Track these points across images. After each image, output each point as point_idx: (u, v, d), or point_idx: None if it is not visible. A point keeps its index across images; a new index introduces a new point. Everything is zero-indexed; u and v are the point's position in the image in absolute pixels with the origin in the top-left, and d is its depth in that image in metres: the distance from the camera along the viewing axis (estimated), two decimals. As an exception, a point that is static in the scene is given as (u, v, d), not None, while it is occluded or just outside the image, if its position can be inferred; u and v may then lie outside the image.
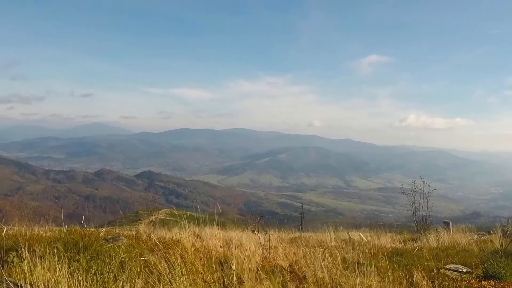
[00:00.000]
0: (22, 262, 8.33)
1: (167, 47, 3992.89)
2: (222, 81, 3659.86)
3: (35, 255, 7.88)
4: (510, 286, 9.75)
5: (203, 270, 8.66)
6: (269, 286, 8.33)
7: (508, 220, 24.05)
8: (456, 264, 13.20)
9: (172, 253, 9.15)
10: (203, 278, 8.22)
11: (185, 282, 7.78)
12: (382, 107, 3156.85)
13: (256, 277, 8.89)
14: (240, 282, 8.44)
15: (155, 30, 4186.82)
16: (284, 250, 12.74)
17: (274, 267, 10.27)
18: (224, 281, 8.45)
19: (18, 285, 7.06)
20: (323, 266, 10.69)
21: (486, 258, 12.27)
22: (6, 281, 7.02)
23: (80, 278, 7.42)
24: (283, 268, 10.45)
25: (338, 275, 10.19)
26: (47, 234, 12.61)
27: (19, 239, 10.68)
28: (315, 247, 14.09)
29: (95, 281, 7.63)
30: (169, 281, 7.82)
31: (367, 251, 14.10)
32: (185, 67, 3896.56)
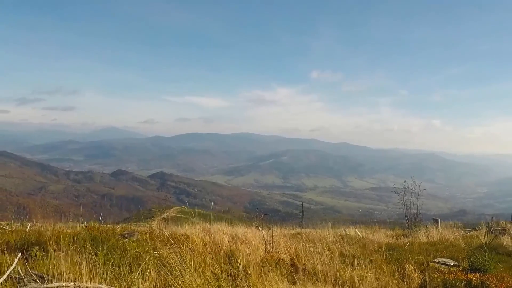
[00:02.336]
0: (45, 256, 8.37)
1: (187, 58, 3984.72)
2: (238, 90, 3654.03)
3: (57, 249, 7.91)
4: (494, 278, 9.75)
5: (212, 263, 8.69)
6: (273, 278, 8.35)
7: (492, 218, 24.06)
8: (444, 257, 13.19)
9: (183, 248, 9.19)
10: (211, 271, 8.26)
11: (195, 274, 7.81)
12: (382, 114, 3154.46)
13: (260, 270, 8.91)
14: (246, 274, 8.46)
15: (176, 42, 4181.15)
16: (286, 245, 12.75)
17: (276, 260, 10.29)
18: (231, 273, 8.48)
19: (42, 277, 7.09)
20: (322, 260, 10.72)
21: (472, 252, 12.28)
22: (30, 273, 7.05)
23: (99, 270, 7.46)
24: (285, 261, 10.48)
25: (336, 267, 10.22)
26: (68, 230, 12.65)
27: (42, 234, 10.72)
28: (314, 242, 14.09)
29: (113, 273, 7.67)
30: (180, 273, 7.85)
31: (362, 245, 14.14)
32: (203, 77, 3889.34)
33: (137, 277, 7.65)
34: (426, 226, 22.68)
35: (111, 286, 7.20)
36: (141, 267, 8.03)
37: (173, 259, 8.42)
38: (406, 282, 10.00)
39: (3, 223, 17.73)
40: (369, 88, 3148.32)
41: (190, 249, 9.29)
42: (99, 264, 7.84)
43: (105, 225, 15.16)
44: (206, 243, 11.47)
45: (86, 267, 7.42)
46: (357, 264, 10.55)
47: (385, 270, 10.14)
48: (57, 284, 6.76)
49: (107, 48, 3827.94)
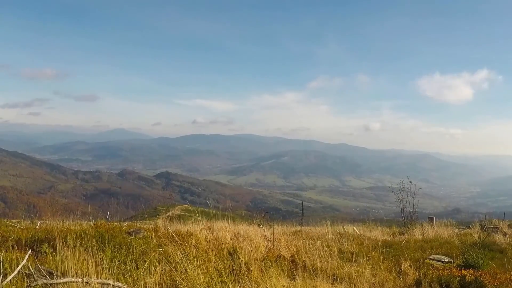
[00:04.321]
0: (54, 252, 8.38)
1: (198, 62, 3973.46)
2: (246, 94, 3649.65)
3: (66, 246, 7.92)
4: (487, 274, 9.75)
5: (215, 259, 8.69)
6: (274, 273, 8.35)
7: (485, 216, 24.04)
8: (439, 254, 13.18)
9: (187, 245, 9.19)
10: (214, 267, 8.26)
11: (198, 270, 7.81)
12: (382, 116, 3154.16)
13: (261, 266, 8.91)
14: (248, 270, 8.46)
15: (188, 48, 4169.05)
16: (287, 242, 12.73)
17: (277, 257, 10.29)
18: (233, 269, 8.48)
19: (51, 273, 7.09)
20: (321, 256, 10.71)
21: (466, 250, 12.28)
22: (40, 269, 7.05)
23: (106, 266, 7.47)
24: (286, 258, 10.47)
25: (334, 264, 10.22)
26: (76, 228, 12.65)
27: (51, 232, 10.73)
28: (314, 239, 14.07)
29: (119, 269, 7.67)
30: (185, 269, 7.86)
31: (360, 243, 14.13)
32: (213, 82, 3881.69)
33: (143, 273, 7.66)
34: (422, 224, 22.65)
35: (118, 281, 7.21)
36: (146, 263, 8.04)
37: (177, 256, 8.42)
38: (402, 278, 10.00)
39: (14, 221, 17.79)
40: (371, 92, 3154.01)
41: (194, 246, 9.29)
42: (106, 260, 7.85)
43: (112, 223, 15.17)
44: (209, 240, 11.47)
45: (94, 263, 7.43)
46: (355, 260, 10.55)
47: (382, 266, 10.14)
48: (65, 279, 6.77)
49: (121, 53, 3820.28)
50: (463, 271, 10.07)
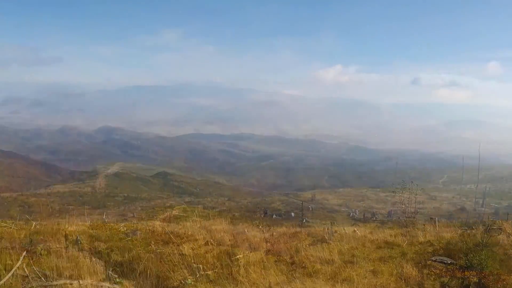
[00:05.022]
0: (49, 254, 8.38)
1: (193, 60, 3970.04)
2: (243, 92, 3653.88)
3: (61, 247, 7.92)
4: (490, 276, 9.75)
5: (213, 261, 8.69)
6: (273, 275, 8.34)
7: (488, 217, 24.07)
8: (441, 256, 13.17)
9: (184, 246, 9.19)
10: (213, 269, 8.26)
11: (197, 271, 7.81)
12: (383, 115, 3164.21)
13: (260, 267, 8.91)
14: (247, 271, 8.45)
15: (183, 46, 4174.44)
16: (286, 243, 12.74)
17: (277, 258, 10.29)
18: (232, 271, 8.47)
19: (46, 275, 7.09)
20: (321, 258, 10.72)
21: (469, 251, 12.27)
22: (35, 270, 7.05)
23: (102, 268, 7.47)
24: (285, 259, 10.47)
25: (335, 265, 10.23)
26: (72, 228, 12.65)
27: (47, 233, 10.72)
28: (314, 240, 14.08)
29: (115, 271, 7.67)
30: (183, 270, 7.86)
31: (361, 244, 14.14)
32: (212, 80, 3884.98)
33: (139, 275, 7.66)
34: (424, 225, 22.68)
35: (114, 284, 7.20)
36: (143, 264, 8.04)
37: (175, 257, 8.42)
38: (404, 280, 10.00)
39: (8, 221, 17.77)
40: (371, 90, 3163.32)
41: (191, 247, 9.30)
42: (101, 262, 7.85)
43: (108, 224, 15.17)
44: (207, 241, 11.47)
45: (90, 265, 7.43)
46: (356, 262, 10.56)
47: (383, 268, 10.15)
48: (60, 281, 6.77)
49: (117, 51, 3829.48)
50: (465, 272, 10.07)
